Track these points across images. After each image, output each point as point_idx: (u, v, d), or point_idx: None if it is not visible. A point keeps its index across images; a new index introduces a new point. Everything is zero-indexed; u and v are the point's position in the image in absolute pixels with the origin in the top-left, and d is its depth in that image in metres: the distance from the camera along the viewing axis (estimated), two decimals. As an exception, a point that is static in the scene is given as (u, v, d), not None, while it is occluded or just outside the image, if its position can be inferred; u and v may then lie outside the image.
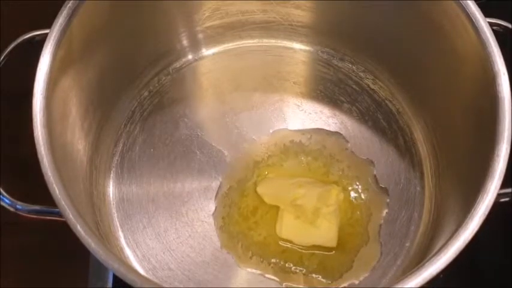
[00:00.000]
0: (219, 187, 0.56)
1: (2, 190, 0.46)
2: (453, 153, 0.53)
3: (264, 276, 0.52)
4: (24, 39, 0.50)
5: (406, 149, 0.58)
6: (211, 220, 0.55)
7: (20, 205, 0.46)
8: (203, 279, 0.52)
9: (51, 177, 0.41)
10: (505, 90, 0.44)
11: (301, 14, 0.59)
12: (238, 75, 0.61)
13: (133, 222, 0.55)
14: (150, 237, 0.54)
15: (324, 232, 0.52)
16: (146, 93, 0.60)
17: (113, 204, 0.55)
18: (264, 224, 0.54)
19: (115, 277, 0.53)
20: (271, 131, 0.58)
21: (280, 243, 0.53)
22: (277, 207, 0.54)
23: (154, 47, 0.59)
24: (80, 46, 0.48)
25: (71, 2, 0.46)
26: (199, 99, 0.61)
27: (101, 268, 0.54)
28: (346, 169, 0.56)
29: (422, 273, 0.39)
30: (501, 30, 0.50)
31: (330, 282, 0.52)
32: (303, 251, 0.53)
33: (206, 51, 0.62)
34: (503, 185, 0.42)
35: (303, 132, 0.58)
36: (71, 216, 0.41)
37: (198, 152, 0.57)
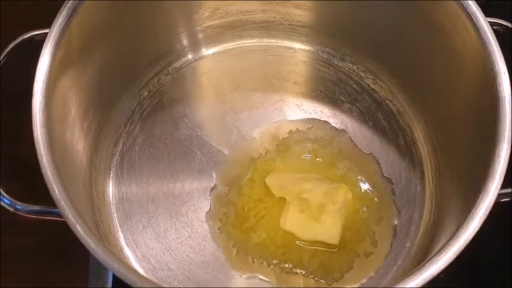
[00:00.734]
0: (214, 186, 0.56)
1: (1, 190, 0.46)
2: (454, 153, 0.53)
3: (264, 277, 0.52)
4: (23, 39, 0.50)
5: (406, 149, 0.58)
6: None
7: (19, 205, 0.46)
8: (203, 280, 0.52)
9: (51, 177, 0.41)
10: (505, 90, 0.44)
11: (302, 13, 0.59)
12: (238, 75, 0.61)
13: (133, 222, 0.55)
14: (150, 237, 0.54)
15: (327, 229, 0.52)
16: (146, 93, 0.60)
17: (113, 204, 0.55)
18: (263, 224, 0.54)
19: (115, 277, 0.53)
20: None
21: (279, 244, 0.53)
22: (276, 207, 0.54)
23: (154, 47, 0.59)
24: (80, 46, 0.48)
25: (71, 1, 0.46)
26: (199, 99, 0.61)
27: (101, 268, 0.53)
28: (353, 166, 0.56)
29: (422, 273, 0.39)
30: (501, 29, 0.50)
31: (330, 283, 0.52)
32: (305, 246, 0.53)
33: (206, 51, 0.62)
34: (504, 185, 0.42)
35: (303, 121, 0.58)
36: (70, 216, 0.40)
37: (198, 152, 0.57)
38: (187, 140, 0.58)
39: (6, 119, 0.58)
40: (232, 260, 0.53)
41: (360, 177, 0.56)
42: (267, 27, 0.61)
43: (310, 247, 0.53)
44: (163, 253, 0.53)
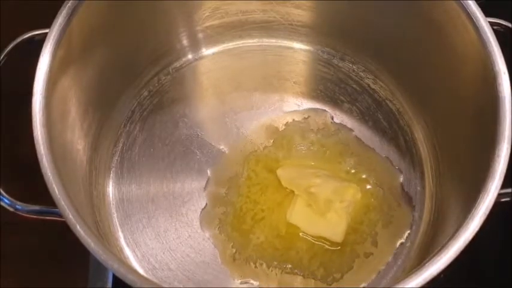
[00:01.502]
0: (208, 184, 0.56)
1: (1, 190, 0.46)
2: (454, 153, 0.53)
3: (263, 280, 0.52)
4: (23, 39, 0.50)
5: (406, 149, 0.58)
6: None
7: (19, 205, 0.46)
8: (203, 280, 0.52)
9: (51, 177, 0.41)
10: (505, 90, 0.44)
11: (301, 13, 0.59)
12: (238, 75, 0.61)
13: (133, 222, 0.55)
14: (150, 237, 0.54)
15: (332, 225, 0.52)
16: (146, 93, 0.60)
17: (113, 204, 0.55)
18: (262, 225, 0.54)
19: (115, 277, 0.53)
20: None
21: (280, 245, 0.53)
22: (276, 207, 0.54)
23: (154, 47, 0.59)
24: (80, 46, 0.48)
25: (71, 1, 0.46)
26: (199, 99, 0.61)
27: (101, 268, 0.53)
28: (361, 161, 0.56)
29: (423, 273, 0.39)
30: (501, 29, 0.50)
31: (330, 283, 0.52)
32: (306, 245, 0.53)
33: (206, 51, 0.62)
34: (504, 185, 0.42)
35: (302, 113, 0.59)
36: (70, 216, 0.40)
37: (197, 152, 0.57)
38: (187, 139, 0.58)
39: (6, 119, 0.58)
40: (228, 263, 0.53)
41: (368, 175, 0.55)
42: (267, 27, 0.61)
43: (314, 241, 0.53)
44: (163, 253, 0.53)
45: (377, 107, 0.60)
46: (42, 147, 0.42)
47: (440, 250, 0.40)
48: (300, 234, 0.53)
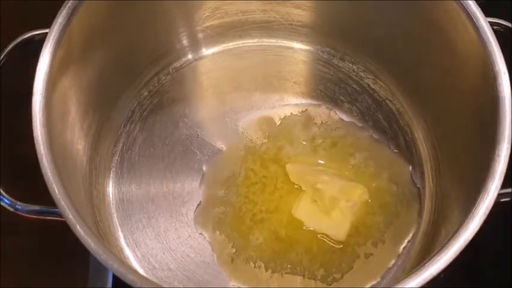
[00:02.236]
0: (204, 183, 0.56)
1: (1, 190, 0.46)
2: (454, 153, 0.53)
3: (264, 278, 0.52)
4: (23, 39, 0.50)
5: (406, 149, 0.58)
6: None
7: (19, 205, 0.46)
8: (203, 280, 0.52)
9: (51, 177, 0.41)
10: (505, 90, 0.44)
11: (301, 13, 0.59)
12: (238, 75, 0.61)
13: (133, 222, 0.55)
14: (150, 237, 0.54)
15: (336, 224, 0.52)
16: (146, 93, 0.60)
17: (113, 204, 0.55)
18: (261, 225, 0.54)
19: (115, 277, 0.53)
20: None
21: (279, 245, 0.53)
22: (276, 206, 0.54)
23: (154, 47, 0.59)
24: (80, 46, 0.48)
25: (71, 1, 0.46)
26: (199, 99, 0.61)
27: (101, 268, 0.53)
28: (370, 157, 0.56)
29: (422, 273, 0.39)
30: (501, 29, 0.50)
31: (330, 284, 0.52)
32: (307, 243, 0.53)
33: (206, 51, 0.62)
34: (504, 185, 0.42)
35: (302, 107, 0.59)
36: (70, 216, 0.40)
37: (198, 152, 0.57)
38: (187, 139, 0.58)
39: (6, 119, 0.58)
40: (225, 263, 0.52)
41: (379, 171, 0.55)
42: (267, 27, 0.61)
43: (317, 237, 0.53)
44: (163, 253, 0.53)
45: (377, 107, 0.60)
46: (42, 147, 0.42)
47: (440, 250, 0.40)
48: (304, 228, 0.53)
